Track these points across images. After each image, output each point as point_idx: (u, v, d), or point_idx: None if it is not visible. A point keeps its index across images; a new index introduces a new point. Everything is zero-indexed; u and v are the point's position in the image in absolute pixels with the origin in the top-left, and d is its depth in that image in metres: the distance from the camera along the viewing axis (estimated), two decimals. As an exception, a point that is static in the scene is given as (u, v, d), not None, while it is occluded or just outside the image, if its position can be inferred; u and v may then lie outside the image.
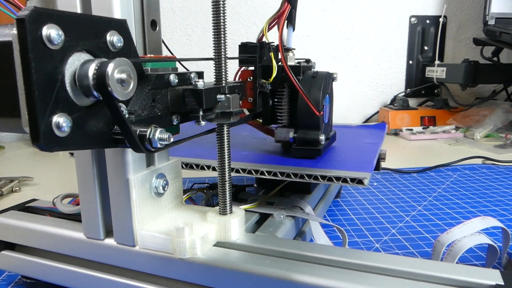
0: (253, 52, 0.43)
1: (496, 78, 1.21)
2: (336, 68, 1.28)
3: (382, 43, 1.35)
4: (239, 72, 0.45)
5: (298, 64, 0.46)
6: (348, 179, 0.36)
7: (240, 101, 0.42)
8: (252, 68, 0.44)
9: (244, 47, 0.44)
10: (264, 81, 0.44)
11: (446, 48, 1.37)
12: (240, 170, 0.40)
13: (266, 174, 0.39)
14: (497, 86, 1.29)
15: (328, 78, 0.46)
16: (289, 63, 0.46)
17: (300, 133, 0.44)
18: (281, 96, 0.46)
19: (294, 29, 0.47)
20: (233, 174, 0.40)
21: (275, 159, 0.44)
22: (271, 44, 0.45)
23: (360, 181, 0.36)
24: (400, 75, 1.38)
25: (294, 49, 0.48)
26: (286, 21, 0.44)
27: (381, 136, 0.58)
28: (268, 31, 0.44)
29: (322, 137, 0.44)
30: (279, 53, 0.43)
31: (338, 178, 0.37)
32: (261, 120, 0.48)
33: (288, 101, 0.46)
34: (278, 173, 0.39)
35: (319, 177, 0.37)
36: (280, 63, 0.44)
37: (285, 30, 0.45)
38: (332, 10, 1.32)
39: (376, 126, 0.68)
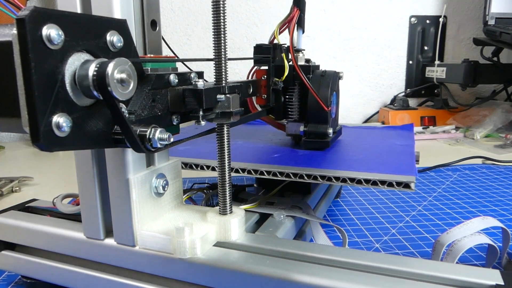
0: (267, 53, 0.47)
1: (496, 78, 1.21)
2: (336, 68, 1.28)
3: (382, 43, 1.35)
4: (253, 71, 0.48)
5: (308, 64, 0.50)
6: (394, 183, 0.35)
7: (254, 98, 0.46)
8: (265, 67, 0.48)
9: (259, 48, 0.48)
10: (277, 79, 0.48)
11: (446, 48, 1.37)
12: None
13: (306, 177, 0.38)
14: (497, 86, 1.29)
15: (335, 77, 0.50)
16: (299, 63, 0.50)
17: (310, 127, 0.48)
18: (292, 93, 0.50)
19: (303, 32, 0.51)
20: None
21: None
22: (283, 45, 0.48)
23: (407, 185, 0.34)
24: (400, 75, 1.38)
25: (304, 50, 0.52)
26: (296, 25, 0.48)
27: (411, 137, 0.56)
28: (279, 34, 0.48)
29: (330, 130, 0.48)
30: (290, 54, 0.47)
31: (383, 182, 0.35)
32: (273, 116, 0.51)
33: (298, 98, 0.50)
34: (318, 176, 0.38)
35: (363, 181, 0.36)
36: (291, 63, 0.48)
37: (295, 32, 0.49)
38: (332, 10, 1.32)
39: (403, 127, 0.66)
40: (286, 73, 0.48)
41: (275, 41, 0.48)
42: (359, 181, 0.36)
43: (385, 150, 0.48)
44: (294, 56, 0.47)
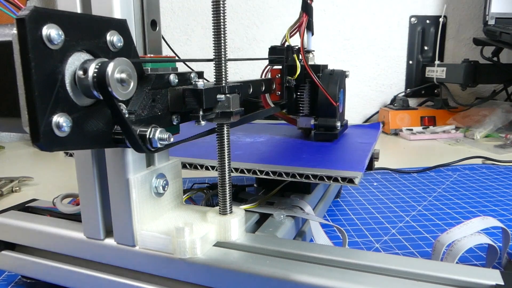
0: (281, 54, 0.52)
1: (496, 78, 1.22)
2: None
3: (382, 43, 1.35)
4: (267, 70, 0.53)
5: (317, 64, 0.55)
6: (339, 178, 0.37)
7: (268, 94, 0.51)
8: (279, 67, 0.52)
9: (273, 50, 0.52)
10: (290, 77, 0.53)
11: (446, 48, 1.37)
12: (233, 169, 0.40)
13: (259, 173, 0.40)
14: (497, 86, 1.29)
15: (343, 75, 0.56)
16: (309, 63, 0.55)
17: (320, 121, 0.54)
18: (303, 90, 0.55)
19: (313, 34, 0.55)
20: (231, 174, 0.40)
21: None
22: (294, 47, 0.53)
23: (351, 180, 0.36)
24: (400, 75, 1.38)
25: (313, 51, 0.57)
26: (305, 29, 0.53)
27: (375, 136, 0.58)
28: (290, 38, 0.53)
29: (338, 124, 0.53)
30: (301, 55, 0.52)
31: (329, 177, 0.37)
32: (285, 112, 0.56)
33: (309, 94, 0.55)
34: (270, 172, 0.39)
35: (311, 176, 0.38)
36: (302, 63, 0.53)
37: (305, 35, 0.54)
38: (332, 10, 1.32)
39: (371, 126, 0.68)
40: (298, 72, 0.53)
41: (286, 44, 0.53)
42: (307, 177, 0.38)
43: (345, 148, 0.50)
44: (305, 56, 0.52)
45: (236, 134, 0.59)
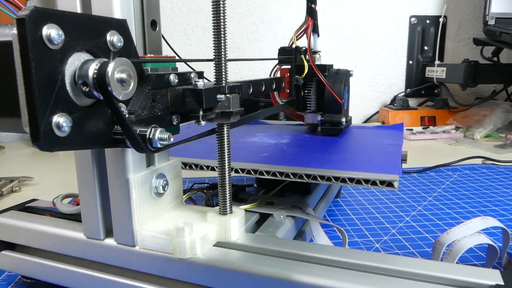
0: (290, 54, 0.56)
1: (496, 78, 1.21)
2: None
3: (382, 43, 1.35)
4: (275, 70, 0.57)
5: (324, 64, 0.59)
6: (378, 182, 0.35)
7: (277, 92, 0.55)
8: (288, 66, 0.56)
9: (283, 50, 0.57)
10: (298, 76, 0.57)
11: (446, 48, 1.37)
12: (264, 172, 0.40)
13: (292, 176, 0.38)
14: (497, 86, 1.29)
15: (347, 74, 0.59)
16: (316, 63, 0.58)
17: (326, 117, 0.57)
18: (310, 88, 0.58)
19: (318, 35, 0.60)
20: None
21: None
22: (302, 48, 0.57)
23: (390, 184, 0.35)
24: (400, 75, 1.38)
25: (320, 51, 0.61)
26: (312, 32, 0.58)
27: (400, 136, 0.57)
28: (297, 40, 0.57)
29: (343, 119, 0.57)
30: (308, 56, 0.56)
31: (367, 181, 0.36)
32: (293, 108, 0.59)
33: (316, 92, 0.58)
34: (304, 175, 0.38)
35: (347, 180, 0.36)
36: (309, 63, 0.56)
37: (311, 38, 0.58)
38: (332, 10, 1.32)
39: (394, 126, 0.67)
40: (306, 71, 0.56)
41: (294, 45, 0.56)
42: (343, 180, 0.37)
43: (373, 149, 0.49)
44: (312, 57, 0.56)
45: (257, 135, 0.58)
